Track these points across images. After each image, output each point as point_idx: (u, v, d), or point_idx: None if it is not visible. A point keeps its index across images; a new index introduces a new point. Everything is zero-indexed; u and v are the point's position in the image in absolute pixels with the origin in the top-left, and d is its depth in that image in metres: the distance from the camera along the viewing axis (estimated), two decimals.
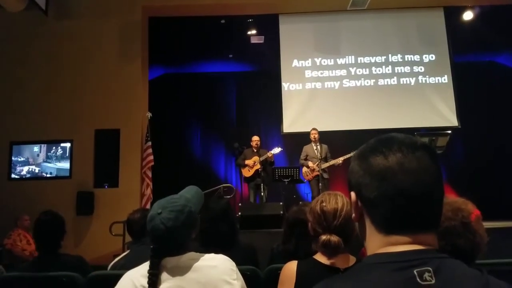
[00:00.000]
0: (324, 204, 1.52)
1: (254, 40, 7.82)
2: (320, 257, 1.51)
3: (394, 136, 0.72)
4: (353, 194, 0.72)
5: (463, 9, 7.41)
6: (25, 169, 6.46)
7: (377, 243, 0.69)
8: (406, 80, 7.48)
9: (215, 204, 2.23)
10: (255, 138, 6.66)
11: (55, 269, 2.10)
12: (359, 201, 0.71)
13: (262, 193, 6.29)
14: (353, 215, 0.73)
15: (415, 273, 0.61)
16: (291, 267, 1.51)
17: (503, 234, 4.48)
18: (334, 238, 1.45)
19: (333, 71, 7.57)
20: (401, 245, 0.66)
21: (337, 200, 1.52)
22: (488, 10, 7.31)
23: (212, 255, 1.38)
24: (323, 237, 1.47)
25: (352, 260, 1.50)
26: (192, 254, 1.35)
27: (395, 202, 0.66)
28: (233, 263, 1.38)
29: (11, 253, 5.15)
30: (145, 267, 1.31)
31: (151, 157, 6.42)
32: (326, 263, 1.48)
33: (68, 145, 6.49)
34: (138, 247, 2.30)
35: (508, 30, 7.46)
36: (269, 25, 7.56)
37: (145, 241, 2.26)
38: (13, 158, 6.46)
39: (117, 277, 1.34)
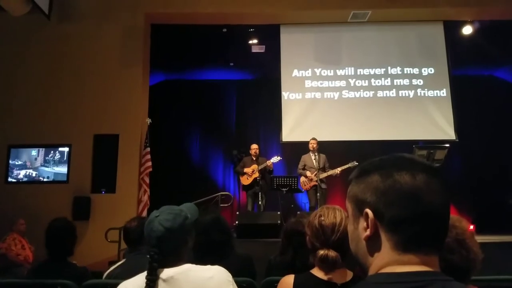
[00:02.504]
0: (322, 218, 1.51)
1: (255, 49, 7.87)
2: (317, 272, 1.50)
3: (413, 157, 0.73)
4: (369, 211, 0.69)
5: (463, 23, 7.46)
6: (22, 172, 6.44)
7: (386, 260, 0.68)
8: (405, 93, 7.51)
9: (202, 216, 2.20)
10: (254, 146, 6.68)
11: (62, 276, 2.09)
12: (376, 218, 0.69)
13: (260, 202, 6.28)
14: (366, 233, 0.69)
15: None
16: (288, 281, 1.50)
17: (502, 248, 4.47)
18: (332, 253, 1.44)
19: (333, 81, 7.60)
20: (410, 265, 0.66)
21: (336, 215, 1.51)
22: (487, 24, 7.35)
23: (208, 266, 1.39)
24: (321, 252, 1.46)
25: (350, 275, 1.49)
26: (188, 266, 1.36)
27: (423, 222, 0.67)
28: (229, 274, 1.39)
29: (5, 258, 5.10)
30: (141, 277, 1.31)
31: (149, 163, 6.40)
32: (323, 278, 1.47)
33: (66, 149, 6.47)
34: (135, 256, 2.28)
35: (507, 45, 7.53)
36: (270, 35, 7.60)
37: (142, 250, 2.24)
38: (10, 162, 6.43)
39: (113, 287, 1.34)
